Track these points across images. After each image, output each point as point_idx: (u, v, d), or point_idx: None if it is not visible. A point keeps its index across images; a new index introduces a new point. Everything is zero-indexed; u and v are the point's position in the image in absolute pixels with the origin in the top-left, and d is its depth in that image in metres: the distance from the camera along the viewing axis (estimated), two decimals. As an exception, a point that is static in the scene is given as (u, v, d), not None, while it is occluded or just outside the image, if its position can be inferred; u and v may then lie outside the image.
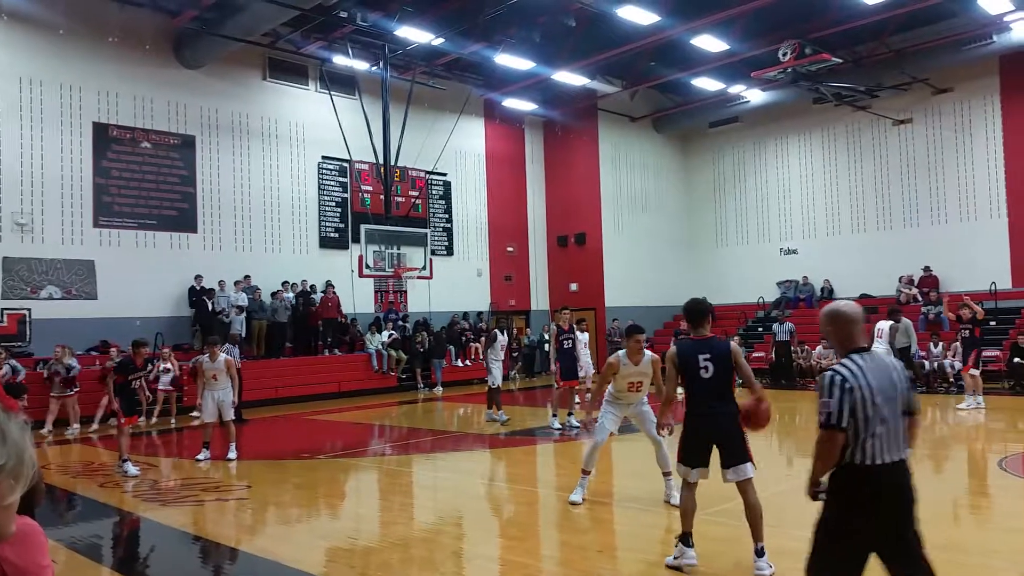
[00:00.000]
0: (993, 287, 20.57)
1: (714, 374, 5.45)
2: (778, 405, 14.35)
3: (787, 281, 25.42)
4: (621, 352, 7.56)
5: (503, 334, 14.51)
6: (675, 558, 5.57)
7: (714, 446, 5.50)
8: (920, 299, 21.53)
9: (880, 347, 14.11)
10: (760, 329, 23.91)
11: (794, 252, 25.71)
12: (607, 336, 24.41)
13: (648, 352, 7.58)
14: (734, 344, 5.71)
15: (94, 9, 17.88)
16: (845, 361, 3.60)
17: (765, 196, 26.60)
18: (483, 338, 20.89)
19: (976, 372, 14.38)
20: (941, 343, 18.08)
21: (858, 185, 24.42)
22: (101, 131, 17.94)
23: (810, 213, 25.53)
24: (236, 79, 20.24)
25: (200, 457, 10.94)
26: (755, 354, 21.84)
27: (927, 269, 22.18)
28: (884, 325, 14.33)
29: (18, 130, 16.83)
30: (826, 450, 3.60)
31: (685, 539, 5.54)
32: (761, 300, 25.51)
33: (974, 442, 11.88)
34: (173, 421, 15.84)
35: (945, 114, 22.59)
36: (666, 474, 7.55)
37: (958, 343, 15.59)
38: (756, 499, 5.48)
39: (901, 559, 3.57)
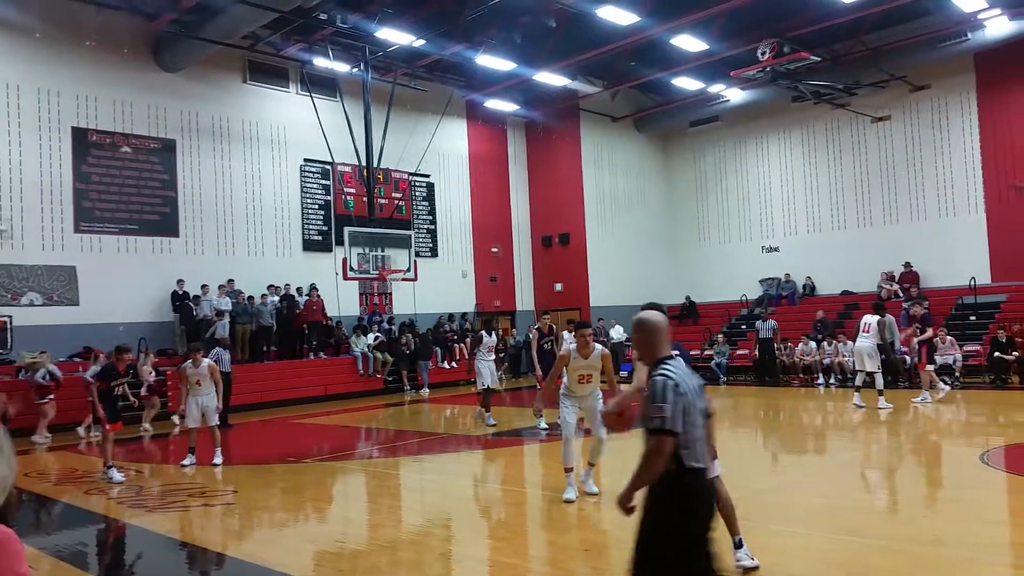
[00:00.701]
0: (972, 282, 20.80)
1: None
2: (761, 402, 14.46)
3: (769, 279, 25.60)
4: (572, 346, 7.94)
5: (490, 335, 14.41)
6: None
7: None
8: (901, 295, 21.72)
9: (867, 342, 14.20)
10: (743, 327, 24.04)
11: (776, 250, 25.89)
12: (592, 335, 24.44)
13: (598, 346, 7.96)
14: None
15: (71, 12, 17.73)
16: (669, 367, 3.58)
17: (746, 194, 26.76)
18: (468, 339, 20.92)
19: (931, 368, 15.04)
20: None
21: (838, 182, 24.62)
22: (80, 136, 17.80)
23: (791, 211, 25.71)
24: (216, 82, 20.14)
25: (185, 463, 10.88)
26: (738, 351, 21.98)
27: (908, 265, 22.40)
28: (872, 320, 14.39)
29: (-4, 136, 16.68)
30: (659, 458, 3.47)
31: None
32: (744, 298, 25.67)
33: (956, 436, 12.02)
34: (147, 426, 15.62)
35: (923, 111, 22.82)
36: (591, 464, 8.03)
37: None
38: (727, 493, 5.53)
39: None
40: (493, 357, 14.25)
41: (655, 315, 3.83)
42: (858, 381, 14.41)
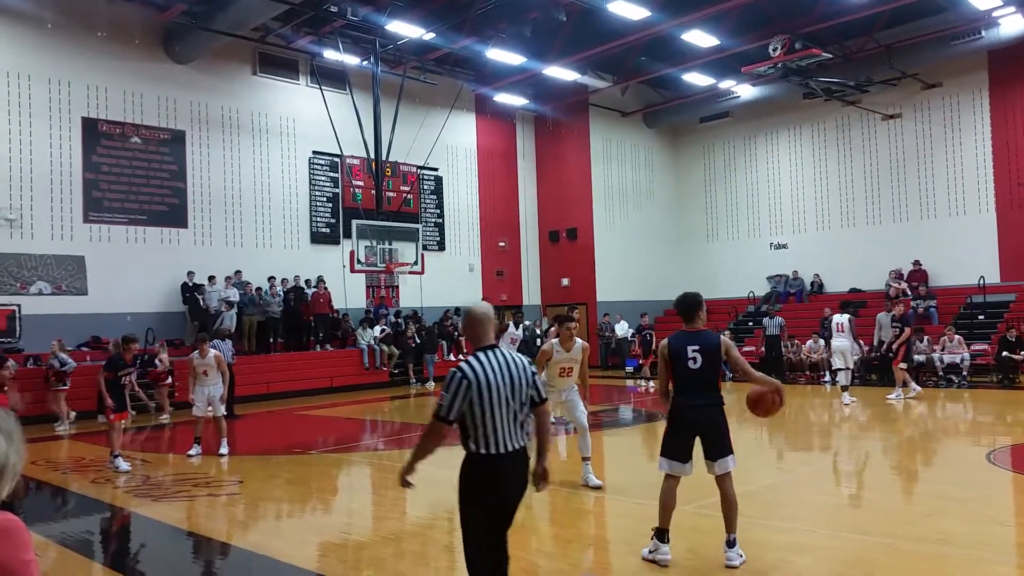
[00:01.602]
0: (982, 281, 20.70)
1: (702, 365, 5.48)
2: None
3: (777, 275, 25.52)
4: (554, 340, 8.08)
5: (517, 328, 14.14)
6: (650, 552, 5.59)
7: (697, 438, 5.52)
8: (909, 293, 21.63)
9: (845, 341, 14.44)
10: (750, 323, 24.00)
11: (784, 247, 25.81)
12: (598, 331, 24.45)
13: (579, 340, 8.20)
14: (724, 337, 5.75)
15: (82, 3, 17.79)
16: (471, 359, 3.86)
17: (755, 191, 26.68)
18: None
19: (904, 366, 15.25)
20: (927, 337, 18.19)
21: (848, 180, 24.52)
22: (90, 126, 17.86)
23: (800, 208, 25.62)
24: (226, 74, 20.17)
25: (191, 453, 10.93)
26: (745, 348, 21.92)
27: (916, 263, 22.30)
28: (843, 319, 14.69)
29: (6, 125, 16.74)
30: (430, 439, 3.91)
31: (661, 535, 5.55)
32: (751, 294, 25.61)
33: (962, 436, 11.98)
34: (165, 417, 15.79)
35: (934, 109, 22.69)
36: (585, 459, 8.08)
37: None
38: (733, 492, 5.53)
39: (501, 534, 3.94)
40: (513, 350, 14.05)
41: (481, 307, 4.10)
42: (843, 380, 14.77)
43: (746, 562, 5.39)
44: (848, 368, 14.80)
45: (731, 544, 5.44)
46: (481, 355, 3.90)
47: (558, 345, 8.01)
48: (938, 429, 12.45)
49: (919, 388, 15.32)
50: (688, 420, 5.52)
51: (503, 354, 3.93)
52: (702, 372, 5.49)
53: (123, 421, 10.64)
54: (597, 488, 7.92)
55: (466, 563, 3.94)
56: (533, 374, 3.98)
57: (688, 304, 5.70)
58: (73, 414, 14.84)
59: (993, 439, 11.18)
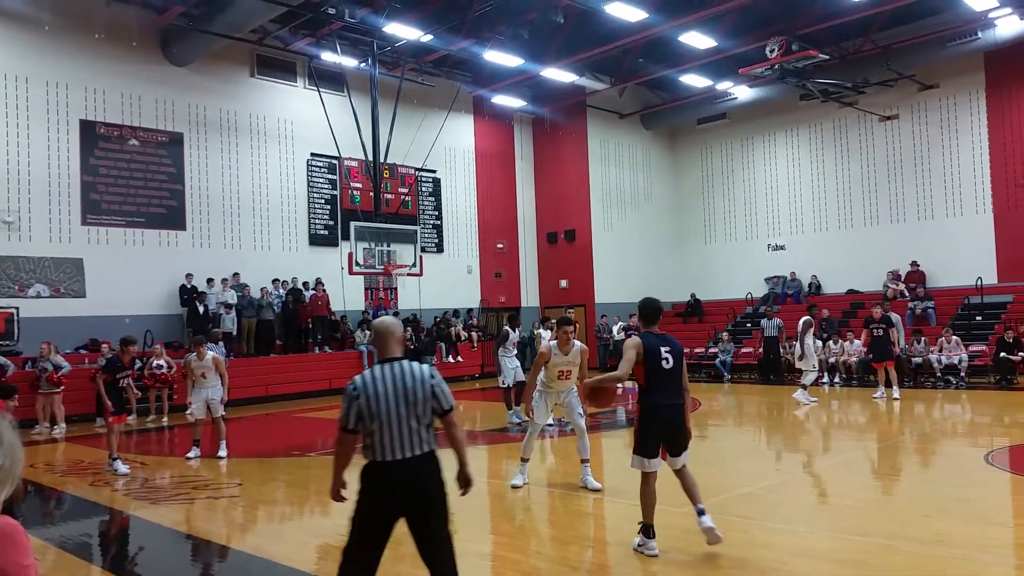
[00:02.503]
0: (979, 282, 20.73)
1: (673, 366, 5.77)
2: (765, 400, 14.45)
3: (775, 277, 25.54)
4: (552, 343, 8.15)
5: (515, 331, 14.07)
6: (638, 544, 5.86)
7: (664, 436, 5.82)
8: (907, 294, 21.67)
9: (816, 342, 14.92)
10: (748, 325, 24.00)
11: (782, 248, 25.84)
12: (596, 333, 24.45)
13: (577, 343, 8.18)
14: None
15: (79, 5, 17.78)
16: (367, 370, 4.13)
17: (753, 192, 26.71)
18: (466, 334, 20.83)
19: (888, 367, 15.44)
20: (925, 338, 18.22)
21: (845, 181, 24.55)
22: (88, 128, 17.85)
23: (797, 209, 25.65)
24: (224, 76, 20.17)
25: (190, 455, 10.93)
26: (743, 349, 21.95)
27: (914, 264, 22.34)
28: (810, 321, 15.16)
29: (4, 127, 16.73)
30: (340, 449, 4.20)
31: (647, 531, 5.81)
32: (749, 296, 25.63)
33: (960, 436, 11.99)
34: (165, 419, 15.80)
35: (931, 110, 22.73)
36: (584, 461, 8.14)
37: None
38: (690, 472, 5.89)
39: (426, 542, 4.11)
40: (515, 353, 13.82)
41: (384, 322, 4.33)
42: (807, 380, 15.10)
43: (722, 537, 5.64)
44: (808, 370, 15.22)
45: (701, 512, 5.72)
46: (377, 368, 4.13)
47: (556, 348, 8.06)
48: (936, 430, 12.47)
49: (897, 391, 15.14)
50: (662, 419, 5.77)
51: (400, 366, 4.11)
52: (673, 373, 5.77)
53: (122, 424, 10.61)
54: (596, 491, 7.93)
55: (339, 565, 4.09)
56: (434, 385, 4.10)
57: (655, 308, 6.02)
58: (63, 425, 14.70)
59: (991, 440, 11.20)
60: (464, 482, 4.26)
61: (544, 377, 8.17)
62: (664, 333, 5.92)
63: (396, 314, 22.33)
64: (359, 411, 4.03)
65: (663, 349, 5.73)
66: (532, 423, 8.32)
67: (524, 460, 8.31)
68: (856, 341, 18.01)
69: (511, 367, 13.57)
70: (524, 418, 13.23)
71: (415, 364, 4.19)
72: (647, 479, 5.80)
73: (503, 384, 13.71)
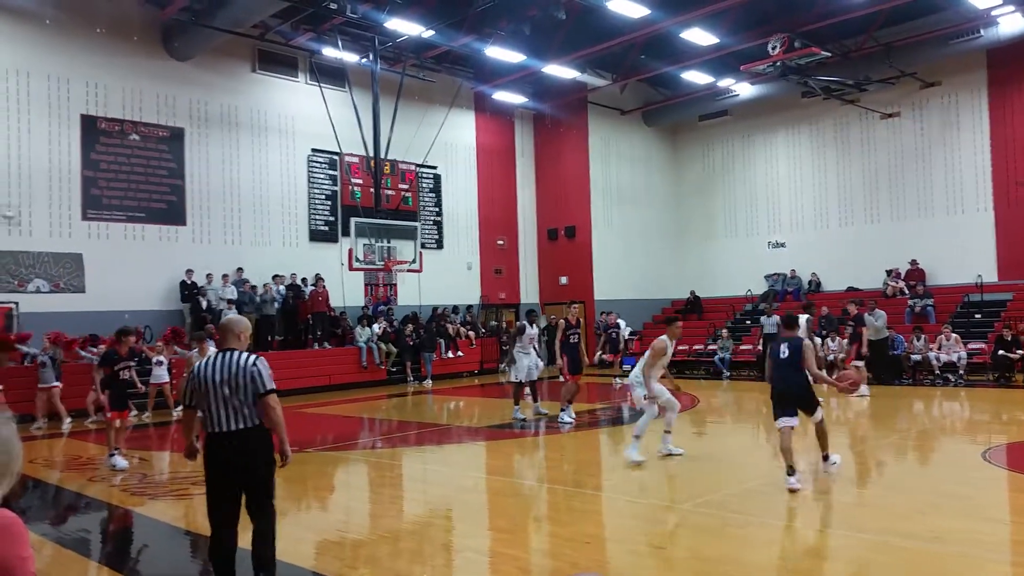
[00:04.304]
0: (979, 280, 20.73)
1: (788, 356, 7.83)
2: (764, 397, 14.43)
3: (775, 274, 25.53)
4: (665, 337, 9.36)
5: (532, 326, 13.91)
6: (790, 484, 7.40)
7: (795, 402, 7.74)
8: (907, 292, 21.67)
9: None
10: (748, 322, 24.01)
11: (782, 245, 25.83)
12: (595, 329, 24.46)
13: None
14: (806, 341, 7.97)
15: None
16: (201, 361, 5.03)
17: (754, 189, 26.69)
18: (476, 329, 20.78)
19: (860, 364, 15.49)
20: (924, 336, 18.22)
21: (846, 178, 24.54)
22: (89, 123, 17.85)
23: (798, 206, 25.64)
24: (225, 71, 20.16)
25: None
26: (743, 347, 21.97)
27: (914, 262, 22.33)
28: (775, 319, 14.88)
29: (5, 122, 16.73)
30: (184, 422, 5.22)
31: (790, 471, 7.48)
32: (749, 293, 25.62)
33: (958, 434, 12.01)
34: (175, 412, 15.67)
35: (933, 108, 22.70)
36: (667, 432, 9.41)
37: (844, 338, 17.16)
38: (824, 425, 8.21)
39: (250, 501, 4.93)
40: (531, 350, 13.59)
41: (229, 319, 5.28)
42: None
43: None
44: None
45: (825, 459, 8.16)
46: (214, 356, 4.97)
47: (669, 341, 9.30)
48: (934, 427, 12.48)
49: (867, 392, 14.98)
50: (778, 392, 7.86)
51: (230, 355, 4.90)
52: (790, 360, 7.83)
53: (124, 420, 10.41)
54: (679, 455, 9.24)
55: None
56: (253, 371, 4.84)
57: (792, 318, 8.51)
58: (45, 420, 14.49)
59: (989, 437, 11.21)
60: (282, 456, 4.96)
61: (647, 368, 9.16)
62: (791, 336, 8.04)
63: (390, 310, 22.36)
64: (192, 391, 4.92)
65: (783, 346, 7.94)
66: (651, 406, 9.20)
67: (638, 437, 9.10)
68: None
69: (526, 364, 13.41)
70: (522, 416, 13.31)
71: (243, 354, 4.94)
72: (784, 432, 7.63)
73: (515, 379, 13.55)
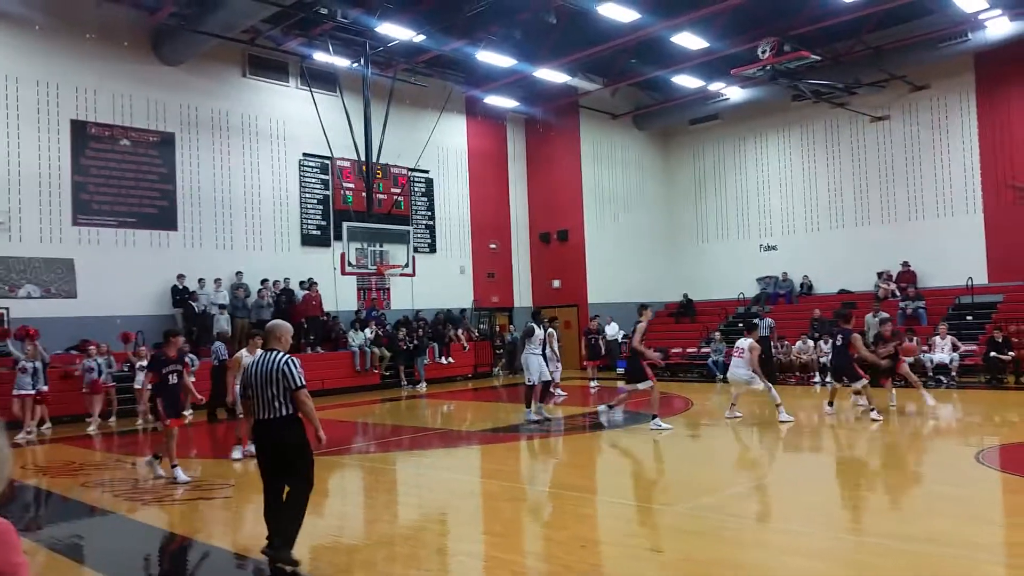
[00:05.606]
0: (969, 282, 20.83)
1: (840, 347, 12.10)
2: (757, 400, 14.46)
3: (767, 277, 25.62)
4: (752, 340, 12.45)
5: (540, 327, 13.84)
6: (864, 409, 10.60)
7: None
8: (898, 294, 21.76)
9: (738, 371, 13.10)
10: (740, 325, 24.02)
11: (773, 248, 25.92)
12: (585, 333, 24.41)
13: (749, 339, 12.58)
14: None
15: (70, 5, 17.71)
16: (252, 358, 6.12)
17: (745, 193, 26.79)
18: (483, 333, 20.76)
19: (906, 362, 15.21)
20: (916, 337, 18.25)
21: (836, 181, 24.65)
22: (79, 128, 17.78)
23: (789, 209, 25.73)
24: (216, 76, 20.12)
25: (236, 455, 10.57)
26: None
27: (905, 264, 22.43)
28: (744, 343, 13.34)
29: (-6, 127, 16.65)
30: (243, 408, 6.77)
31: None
32: (741, 296, 25.69)
33: (951, 436, 12.05)
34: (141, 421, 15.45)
35: (922, 111, 22.83)
36: (777, 406, 12.47)
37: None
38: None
39: (287, 478, 5.85)
40: (540, 351, 13.47)
41: (273, 324, 6.16)
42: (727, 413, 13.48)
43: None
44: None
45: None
46: (258, 356, 5.93)
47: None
48: (928, 429, 12.52)
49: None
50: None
51: (270, 355, 5.84)
52: (840, 351, 11.83)
53: (179, 427, 9.79)
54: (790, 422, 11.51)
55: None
56: (284, 369, 5.69)
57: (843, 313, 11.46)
58: (35, 427, 14.21)
59: (982, 439, 11.25)
60: (318, 440, 5.89)
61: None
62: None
63: (383, 315, 22.33)
64: (244, 385, 6.18)
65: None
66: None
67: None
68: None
69: (536, 365, 13.36)
70: (535, 417, 13.25)
71: (279, 354, 5.81)
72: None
73: (528, 382, 13.46)
